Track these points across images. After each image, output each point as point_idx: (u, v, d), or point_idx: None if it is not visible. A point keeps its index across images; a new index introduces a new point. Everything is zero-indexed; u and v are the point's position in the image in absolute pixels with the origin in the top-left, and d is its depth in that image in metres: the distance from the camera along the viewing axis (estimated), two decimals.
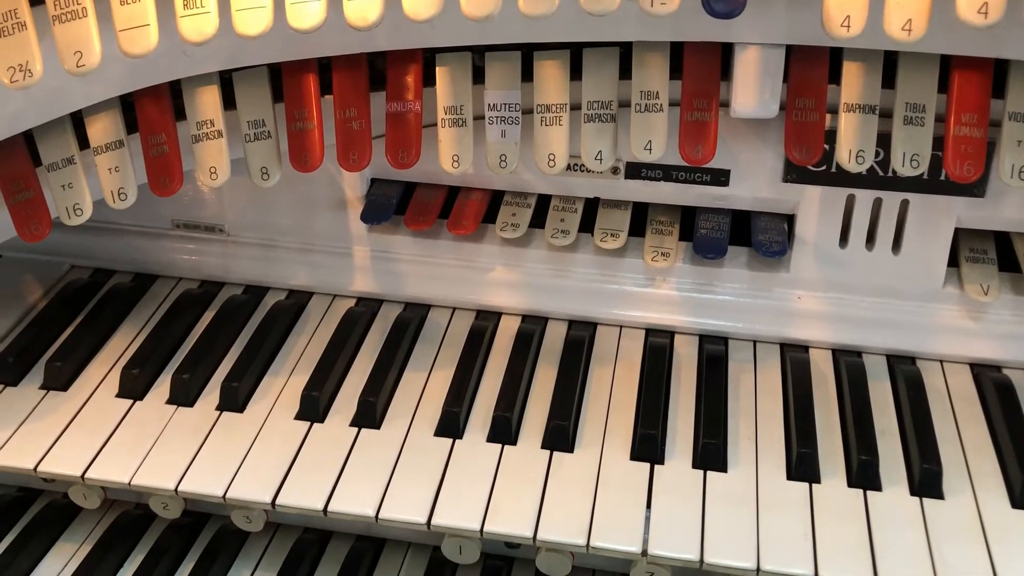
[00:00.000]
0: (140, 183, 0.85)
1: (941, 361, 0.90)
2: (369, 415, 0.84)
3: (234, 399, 0.86)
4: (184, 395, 0.87)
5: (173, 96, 0.84)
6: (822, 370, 0.89)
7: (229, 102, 0.84)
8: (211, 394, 0.88)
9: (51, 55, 0.71)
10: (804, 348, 0.92)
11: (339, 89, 0.83)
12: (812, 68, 0.80)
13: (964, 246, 0.90)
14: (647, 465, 0.80)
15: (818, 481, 0.78)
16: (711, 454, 0.80)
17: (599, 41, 0.81)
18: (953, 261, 0.89)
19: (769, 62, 0.78)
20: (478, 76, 0.83)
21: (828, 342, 0.91)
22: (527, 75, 0.83)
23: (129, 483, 0.80)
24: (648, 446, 0.80)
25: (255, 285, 1.01)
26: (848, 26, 0.68)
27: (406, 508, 0.77)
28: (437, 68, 0.83)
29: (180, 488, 0.79)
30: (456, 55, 0.83)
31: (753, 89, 0.79)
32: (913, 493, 0.77)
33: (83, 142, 0.84)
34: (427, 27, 0.78)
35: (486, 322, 0.95)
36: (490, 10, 0.69)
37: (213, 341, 0.92)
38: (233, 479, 0.79)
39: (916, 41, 0.67)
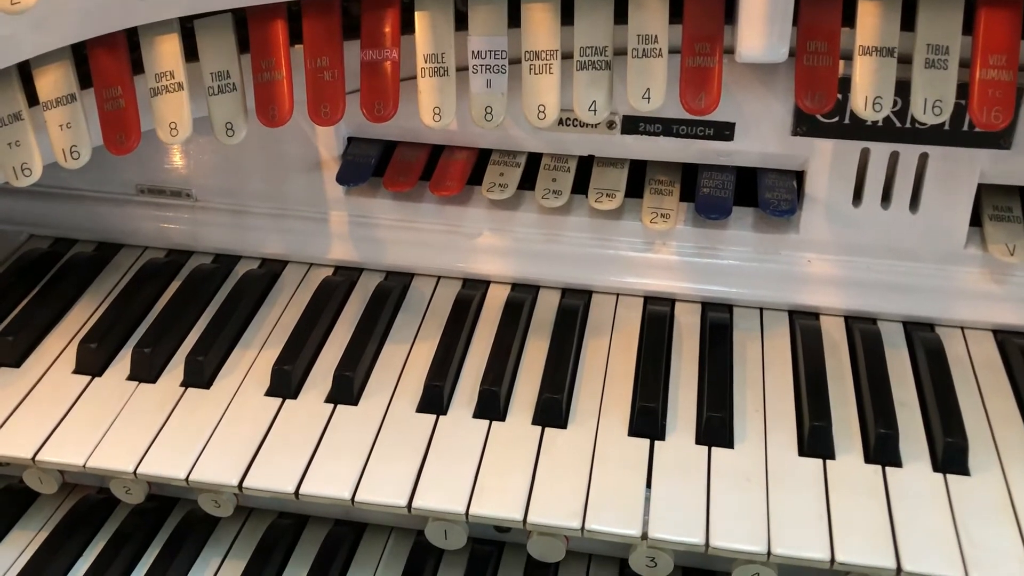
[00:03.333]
0: (96, 145, 0.78)
1: (962, 328, 0.83)
2: (346, 390, 0.78)
3: (200, 374, 0.80)
4: (146, 370, 0.81)
5: (131, 49, 0.78)
6: (834, 338, 0.83)
7: (191, 55, 0.78)
8: (175, 369, 0.81)
9: None
10: (815, 315, 0.85)
11: (310, 36, 0.76)
12: (824, 7, 0.73)
13: (987, 203, 0.83)
14: (647, 441, 0.74)
15: (832, 457, 0.72)
16: (716, 428, 0.73)
17: None
18: (975, 220, 0.82)
19: (778, 0, 0.72)
20: (460, 22, 0.77)
21: (840, 308, 0.85)
22: (514, 21, 0.76)
23: (84, 465, 0.74)
24: (647, 420, 0.74)
25: (225, 254, 0.94)
26: None
27: (385, 490, 0.70)
28: (416, 13, 0.76)
29: (139, 470, 0.73)
30: None
31: (761, 30, 0.72)
32: (936, 469, 0.71)
33: (32, 98, 0.77)
34: None
35: (473, 291, 0.88)
36: None
37: (179, 313, 0.86)
38: (197, 460, 0.73)
39: None
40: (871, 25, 0.72)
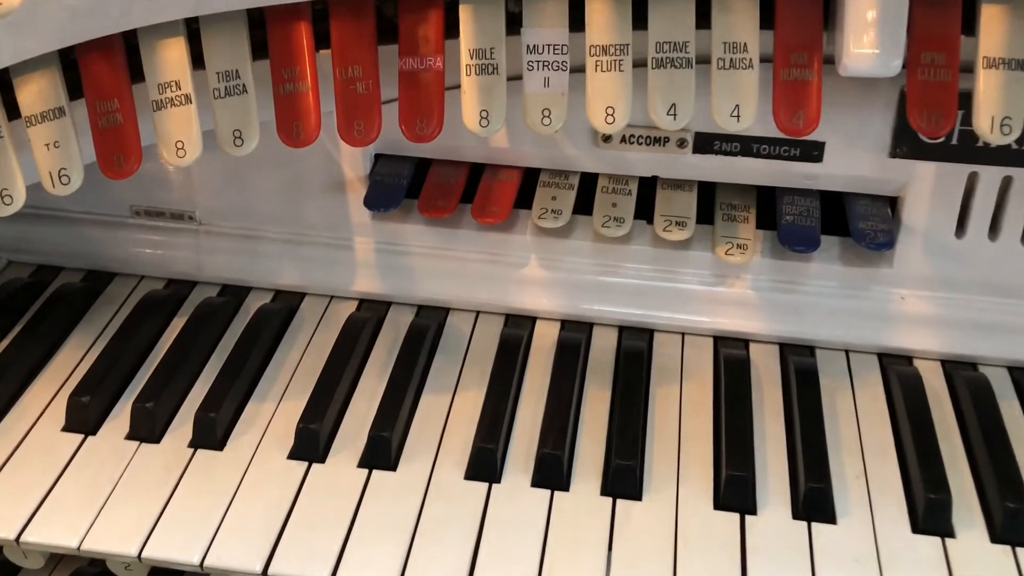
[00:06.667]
0: (88, 162, 0.67)
1: None
2: (383, 454, 0.67)
3: (212, 433, 0.69)
4: (148, 429, 0.69)
5: (128, 52, 0.66)
6: (935, 387, 0.73)
7: (198, 62, 0.67)
8: (183, 427, 0.70)
9: None
10: (907, 359, 0.76)
11: (339, 42, 0.66)
12: (942, 13, 0.63)
13: None
14: (736, 516, 0.64)
15: (952, 535, 0.62)
16: (817, 501, 0.63)
17: None
18: None
19: (891, 4, 0.61)
20: (512, 25, 0.66)
21: (937, 352, 0.75)
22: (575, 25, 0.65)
23: (78, 548, 0.63)
24: (738, 491, 0.64)
25: (234, 285, 0.83)
26: None
27: None
28: (461, 5, 0.65)
29: (144, 554, 0.62)
30: None
31: (870, 40, 0.62)
32: None
33: (12, 111, 0.66)
34: None
35: (519, 330, 0.78)
36: None
37: (184, 357, 0.75)
38: (212, 541, 0.62)
39: None
40: (998, 33, 0.62)
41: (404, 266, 0.80)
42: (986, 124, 0.62)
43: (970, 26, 0.63)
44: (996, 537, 0.62)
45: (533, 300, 0.79)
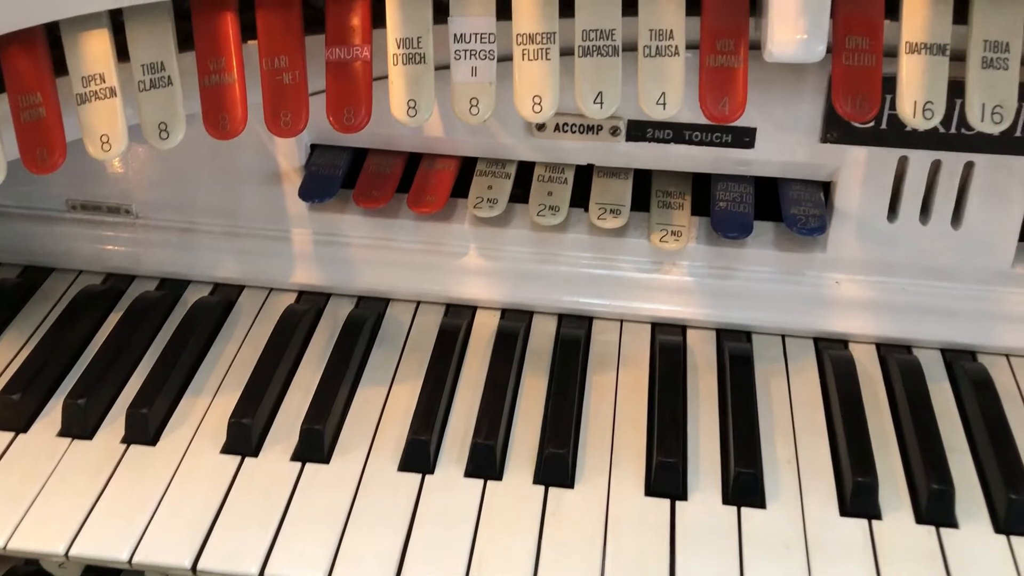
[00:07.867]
0: (13, 158, 0.66)
1: (1008, 356, 0.75)
2: (315, 446, 0.67)
3: (144, 429, 0.68)
4: (80, 425, 0.69)
5: (53, 45, 0.66)
6: (868, 370, 0.74)
7: (123, 55, 0.66)
8: (115, 422, 0.70)
9: None
10: (843, 343, 0.76)
11: (265, 32, 0.65)
12: None
13: None
14: (667, 502, 0.64)
15: (879, 516, 0.63)
16: (747, 486, 0.64)
17: None
18: None
19: None
20: (439, 14, 0.65)
21: (872, 335, 0.76)
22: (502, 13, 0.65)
23: (4, 547, 0.62)
24: (668, 477, 0.64)
25: (171, 278, 0.83)
26: None
27: (366, 570, 0.60)
28: None
29: (72, 551, 0.62)
30: None
31: (795, 25, 0.62)
32: (998, 530, 0.62)
33: None
34: None
35: (458, 319, 0.78)
36: None
37: (118, 353, 0.74)
38: (141, 538, 0.62)
39: None
40: (920, 18, 0.62)
41: (342, 257, 0.80)
42: (909, 108, 0.62)
43: (894, 11, 0.63)
44: (921, 518, 0.63)
45: (472, 289, 0.79)
